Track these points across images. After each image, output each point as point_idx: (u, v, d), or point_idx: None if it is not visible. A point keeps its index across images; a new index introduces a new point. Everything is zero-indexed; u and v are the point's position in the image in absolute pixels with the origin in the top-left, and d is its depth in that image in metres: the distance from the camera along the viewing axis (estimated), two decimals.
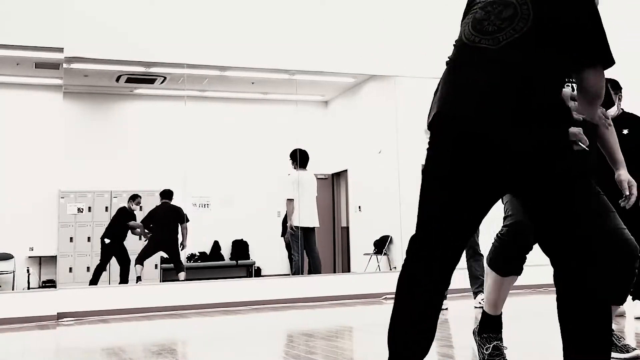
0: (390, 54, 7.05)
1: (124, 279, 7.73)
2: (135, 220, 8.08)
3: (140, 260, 7.86)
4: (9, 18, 5.94)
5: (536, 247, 6.95)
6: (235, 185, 9.14)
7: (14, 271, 7.83)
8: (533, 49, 1.93)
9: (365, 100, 8.96)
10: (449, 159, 1.97)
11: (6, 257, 7.86)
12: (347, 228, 9.47)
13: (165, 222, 7.96)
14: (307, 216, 7.27)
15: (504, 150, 1.94)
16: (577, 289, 1.90)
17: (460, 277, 5.65)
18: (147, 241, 8.02)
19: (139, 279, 7.70)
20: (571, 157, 1.99)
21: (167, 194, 7.98)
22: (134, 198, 8.09)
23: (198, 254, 9.35)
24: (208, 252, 9.43)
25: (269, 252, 8.85)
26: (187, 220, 7.85)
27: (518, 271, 2.88)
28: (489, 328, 2.82)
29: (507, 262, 2.83)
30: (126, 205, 8.08)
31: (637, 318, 4.38)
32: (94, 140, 8.32)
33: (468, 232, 2.00)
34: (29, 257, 7.72)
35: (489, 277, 2.90)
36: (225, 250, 9.38)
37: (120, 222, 8.00)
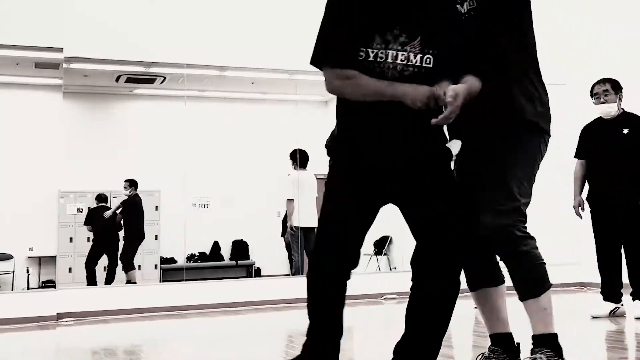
0: None
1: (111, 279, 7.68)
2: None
3: (130, 262, 7.82)
4: (9, 18, 5.94)
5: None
6: (235, 185, 9.13)
7: (13, 271, 7.82)
8: None
9: None
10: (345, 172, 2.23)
11: (6, 257, 7.85)
12: None
13: (142, 214, 7.98)
14: (307, 216, 7.26)
15: (382, 166, 2.15)
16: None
17: (460, 277, 5.66)
18: (125, 241, 7.96)
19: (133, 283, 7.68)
20: (439, 168, 2.18)
21: (136, 184, 7.95)
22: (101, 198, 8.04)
23: (198, 254, 9.35)
24: (208, 252, 9.43)
25: (269, 252, 8.84)
26: None
27: (492, 281, 2.49)
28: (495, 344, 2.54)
29: (470, 274, 2.54)
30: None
31: (637, 318, 4.39)
32: (94, 140, 8.31)
33: (360, 238, 2.28)
34: (29, 257, 7.71)
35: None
36: (225, 251, 9.37)
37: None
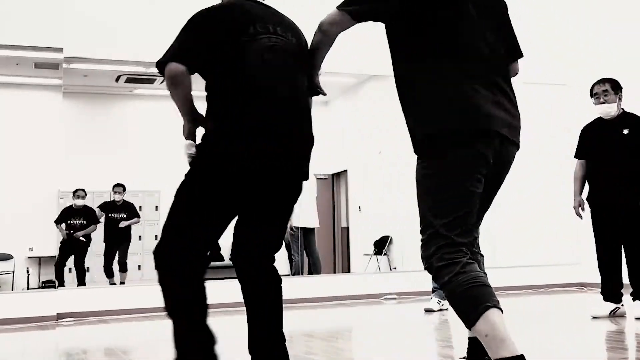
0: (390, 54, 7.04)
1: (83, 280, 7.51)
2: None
3: (125, 262, 7.82)
4: (9, 18, 5.94)
5: (536, 247, 6.89)
6: None
7: (13, 271, 7.82)
8: None
9: (365, 100, 8.95)
10: None
11: (6, 257, 7.85)
12: (347, 228, 9.47)
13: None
14: (306, 216, 7.26)
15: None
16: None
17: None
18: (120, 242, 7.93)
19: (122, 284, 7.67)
20: None
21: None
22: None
23: None
24: (208, 252, 9.42)
25: None
26: None
27: None
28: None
29: None
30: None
31: (637, 318, 4.39)
32: (93, 140, 8.32)
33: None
34: (29, 257, 7.71)
35: None
36: (226, 251, 9.36)
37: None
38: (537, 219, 7.28)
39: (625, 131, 4.53)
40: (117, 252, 7.85)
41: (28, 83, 7.72)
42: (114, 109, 8.99)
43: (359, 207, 9.20)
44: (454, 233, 2.03)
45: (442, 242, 2.03)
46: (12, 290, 7.42)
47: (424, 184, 2.10)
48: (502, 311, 1.96)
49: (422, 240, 2.09)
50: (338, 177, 9.79)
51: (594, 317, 4.55)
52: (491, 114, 2.08)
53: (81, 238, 7.49)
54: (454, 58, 2.11)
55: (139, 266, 8.24)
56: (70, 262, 7.44)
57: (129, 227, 7.91)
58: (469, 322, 1.96)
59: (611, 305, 4.56)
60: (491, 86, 2.13)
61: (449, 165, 2.05)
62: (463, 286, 1.97)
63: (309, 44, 2.45)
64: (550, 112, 7.43)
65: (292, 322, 5.44)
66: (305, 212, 7.26)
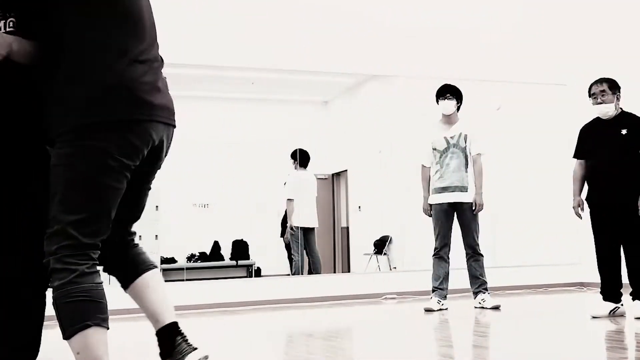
0: (390, 54, 7.05)
1: None
2: None
3: None
4: None
5: (536, 247, 6.87)
6: (235, 185, 9.14)
7: None
8: None
9: (365, 100, 8.95)
10: None
11: None
12: (347, 228, 9.47)
13: None
14: (306, 216, 7.27)
15: None
16: None
17: (460, 277, 5.68)
18: None
19: None
20: None
21: None
22: None
23: (198, 254, 9.35)
24: (208, 252, 9.43)
25: (269, 252, 8.84)
26: None
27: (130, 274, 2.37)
28: None
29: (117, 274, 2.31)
30: None
31: (637, 318, 4.39)
32: None
33: None
34: None
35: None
36: (225, 251, 9.38)
37: None
38: (537, 219, 7.28)
39: (624, 131, 4.53)
40: None
41: None
42: None
43: (359, 207, 9.20)
44: (82, 232, 1.88)
45: (66, 243, 1.87)
46: None
47: (57, 171, 1.89)
48: (107, 328, 1.99)
49: (46, 234, 1.88)
50: (338, 177, 9.78)
51: (593, 317, 4.55)
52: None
53: None
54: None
55: None
56: None
57: None
58: (65, 335, 1.92)
59: (611, 305, 4.56)
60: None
61: (93, 161, 1.90)
62: (68, 297, 1.90)
63: None
64: (550, 112, 7.43)
65: (292, 322, 5.44)
66: (305, 212, 7.27)
